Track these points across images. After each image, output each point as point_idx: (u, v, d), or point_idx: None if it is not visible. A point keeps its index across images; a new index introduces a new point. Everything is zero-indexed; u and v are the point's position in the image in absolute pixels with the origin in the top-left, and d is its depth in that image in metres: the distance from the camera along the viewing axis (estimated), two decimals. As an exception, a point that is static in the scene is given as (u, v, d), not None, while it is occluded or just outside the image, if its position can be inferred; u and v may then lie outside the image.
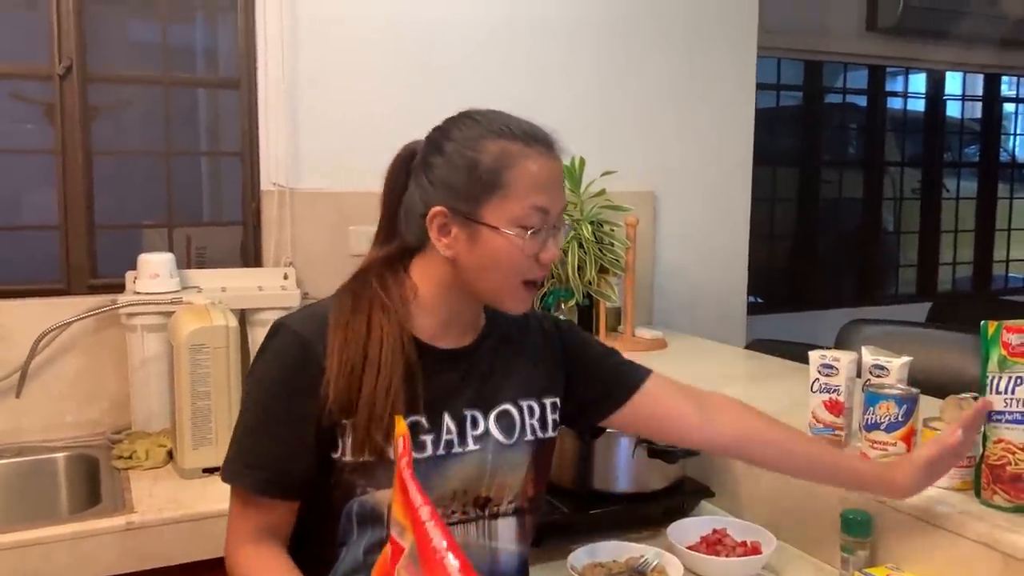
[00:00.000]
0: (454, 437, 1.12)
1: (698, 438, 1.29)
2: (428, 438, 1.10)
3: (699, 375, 2.09)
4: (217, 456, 1.71)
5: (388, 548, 0.91)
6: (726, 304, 2.99)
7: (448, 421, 1.12)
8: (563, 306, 2.43)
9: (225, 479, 1.10)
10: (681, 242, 2.86)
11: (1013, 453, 1.19)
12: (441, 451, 1.11)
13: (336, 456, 1.07)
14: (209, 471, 1.71)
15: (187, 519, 1.55)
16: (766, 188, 4.20)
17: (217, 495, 1.60)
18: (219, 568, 1.51)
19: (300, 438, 1.06)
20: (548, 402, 1.21)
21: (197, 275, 2.12)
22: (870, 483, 1.27)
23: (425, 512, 0.78)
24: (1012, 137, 5.18)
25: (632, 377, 1.27)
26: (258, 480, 1.07)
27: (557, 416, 1.22)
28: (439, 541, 0.75)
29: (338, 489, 1.07)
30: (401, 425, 0.92)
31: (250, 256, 2.25)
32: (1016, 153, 5.20)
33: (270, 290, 2.12)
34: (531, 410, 1.20)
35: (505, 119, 1.11)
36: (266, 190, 2.22)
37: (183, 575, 1.54)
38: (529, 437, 1.18)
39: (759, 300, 4.22)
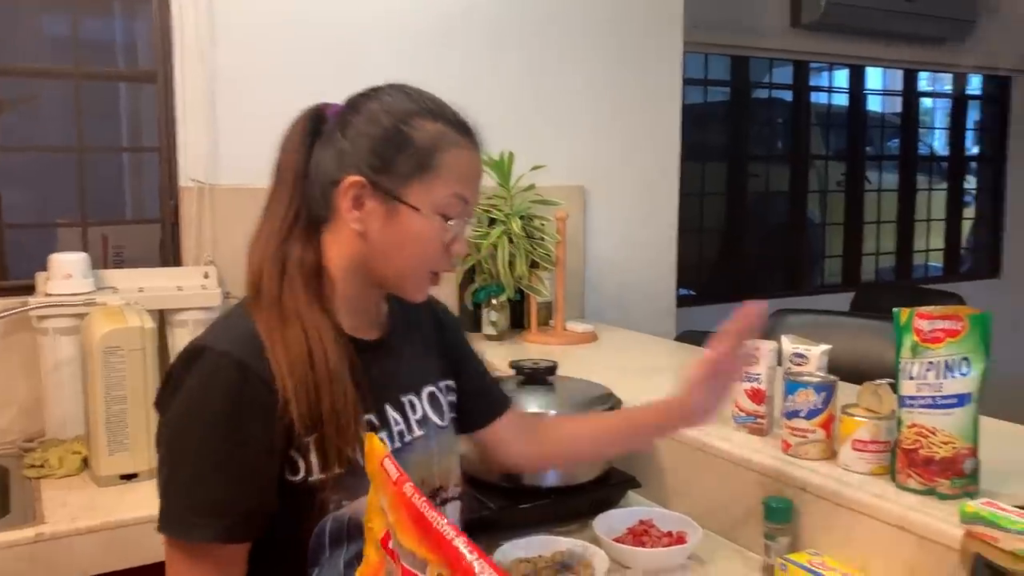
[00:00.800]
0: (403, 427, 1.10)
1: (524, 464, 1.36)
2: (383, 435, 1.06)
3: (629, 367, 2.11)
4: (135, 461, 1.67)
5: (368, 570, 0.87)
6: (657, 297, 3.02)
7: (392, 412, 1.09)
8: (494, 301, 2.42)
9: (176, 536, 0.95)
10: (611, 236, 2.88)
11: (925, 437, 1.22)
12: (397, 444, 1.08)
13: (297, 478, 0.98)
14: (126, 477, 1.65)
15: (104, 528, 1.49)
16: (696, 183, 4.26)
17: (135, 502, 1.55)
18: (137, 578, 1.49)
19: (263, 472, 0.96)
20: (445, 384, 1.21)
21: (113, 275, 2.04)
22: (663, 416, 1.29)
23: (463, 544, 0.72)
24: (931, 131, 5.35)
25: (500, 404, 1.30)
26: (217, 529, 0.94)
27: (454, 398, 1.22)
28: (490, 574, 0.69)
29: (307, 510, 0.99)
30: (377, 444, 0.85)
31: (169, 255, 2.18)
32: (934, 146, 5.38)
33: (190, 290, 2.06)
34: (448, 389, 1.20)
35: (437, 101, 1.07)
36: (185, 187, 2.16)
37: (99, 587, 1.48)
38: (452, 416, 1.19)
39: (691, 293, 4.28)
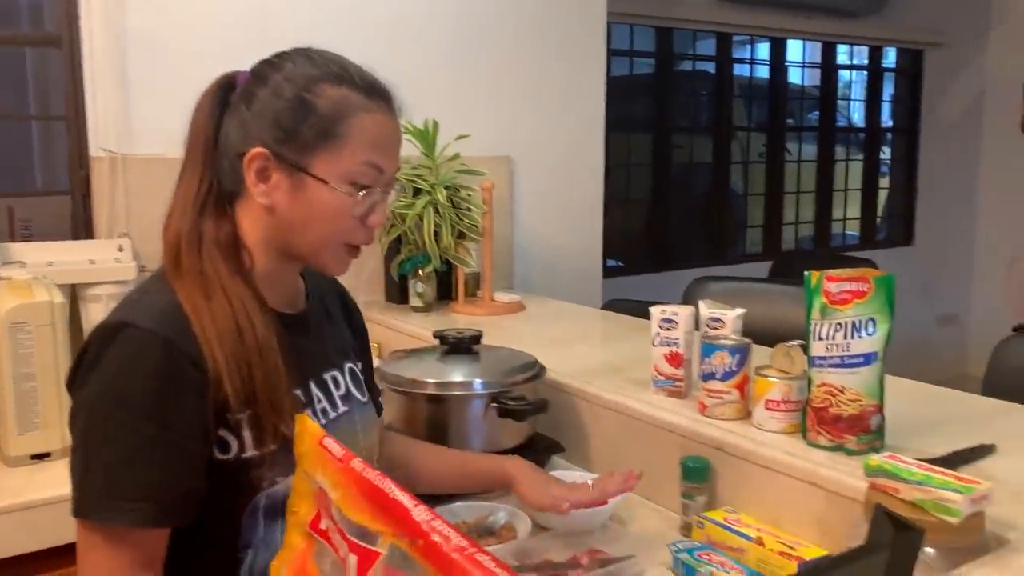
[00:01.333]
0: (325, 404, 1.08)
1: None
2: (307, 412, 1.04)
3: (556, 337, 2.13)
4: (46, 441, 1.61)
5: (290, 554, 0.86)
6: (583, 267, 3.05)
7: (315, 389, 1.07)
8: (420, 272, 2.40)
9: (99, 522, 0.90)
10: (538, 207, 2.89)
11: (834, 395, 1.26)
12: (321, 420, 1.05)
13: (229, 456, 0.95)
14: (38, 457, 1.60)
15: (14, 509, 1.45)
16: (622, 154, 4.30)
17: (47, 482, 1.50)
18: (50, 558, 1.45)
19: (193, 454, 0.93)
20: (360, 363, 1.20)
21: (21, 249, 1.97)
22: (496, 482, 1.32)
23: (423, 512, 0.72)
24: (849, 103, 5.50)
25: (379, 407, 1.29)
26: (148, 513, 0.90)
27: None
28: (458, 540, 0.70)
29: (239, 488, 0.96)
30: (311, 425, 0.84)
31: (81, 228, 2.11)
32: (852, 118, 5.53)
33: (103, 263, 1.99)
34: (365, 366, 1.21)
35: (344, 63, 1.03)
36: (96, 156, 2.08)
37: (11, 569, 1.44)
38: (369, 394, 1.19)
39: (618, 264, 4.33)
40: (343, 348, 1.18)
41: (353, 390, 1.13)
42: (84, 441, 0.92)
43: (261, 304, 1.00)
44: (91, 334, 0.95)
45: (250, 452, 0.96)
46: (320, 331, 1.13)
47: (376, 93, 1.03)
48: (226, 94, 1.03)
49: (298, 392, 1.03)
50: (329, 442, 0.83)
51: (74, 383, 0.95)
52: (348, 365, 1.15)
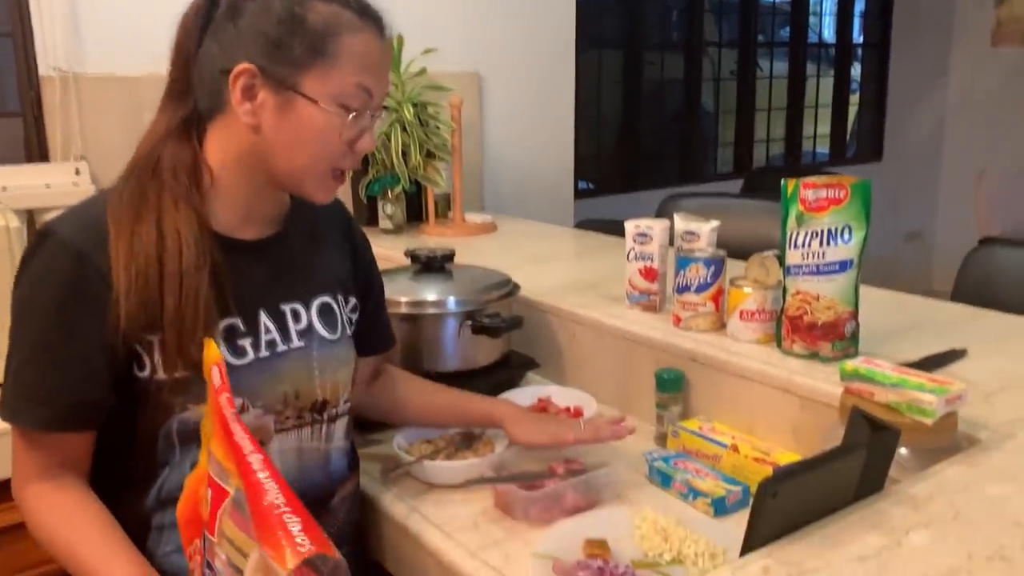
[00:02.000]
0: (275, 336, 1.04)
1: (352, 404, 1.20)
2: (247, 341, 1.01)
3: (529, 256, 2.11)
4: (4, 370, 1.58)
5: (198, 473, 0.85)
6: (555, 187, 3.02)
7: (265, 319, 1.04)
8: (389, 194, 2.36)
9: (5, 418, 0.95)
10: (508, 125, 2.83)
11: (809, 303, 1.26)
12: (264, 352, 1.02)
13: (144, 375, 0.95)
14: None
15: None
16: (592, 72, 4.22)
17: (14, 409, 1.48)
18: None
19: (88, 365, 0.93)
20: (347, 299, 1.17)
21: (-28, 173, 1.90)
22: (488, 421, 1.29)
23: (257, 461, 0.72)
24: (819, 18, 5.43)
25: (381, 342, 1.30)
26: (40, 417, 0.94)
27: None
28: (275, 496, 0.68)
29: (151, 410, 0.96)
30: (213, 351, 0.84)
31: (35, 151, 2.03)
32: (823, 34, 5.47)
33: (60, 187, 1.93)
34: (347, 302, 1.16)
35: None
36: (46, 76, 1.99)
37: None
38: (350, 332, 1.15)
39: (589, 185, 4.30)
40: (322, 281, 1.12)
41: (317, 325, 1.09)
42: (8, 339, 0.96)
43: (202, 230, 0.97)
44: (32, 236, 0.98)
45: (160, 375, 0.96)
46: (289, 260, 1.09)
47: (367, 13, 1.00)
48: (210, 11, 0.98)
49: (236, 321, 1.00)
50: (215, 370, 0.82)
51: (14, 283, 0.98)
52: (322, 299, 1.11)
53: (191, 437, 0.96)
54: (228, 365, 0.88)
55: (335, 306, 1.13)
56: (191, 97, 1.00)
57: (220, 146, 1.00)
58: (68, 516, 0.95)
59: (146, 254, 0.93)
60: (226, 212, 1.01)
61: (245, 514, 0.71)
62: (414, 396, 1.34)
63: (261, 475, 0.70)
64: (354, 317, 1.19)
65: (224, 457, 0.75)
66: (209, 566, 0.77)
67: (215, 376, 0.81)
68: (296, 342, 1.06)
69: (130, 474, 1.00)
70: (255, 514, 0.68)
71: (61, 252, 0.93)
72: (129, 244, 0.93)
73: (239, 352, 1.00)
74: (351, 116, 0.97)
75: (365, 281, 1.24)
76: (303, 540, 0.64)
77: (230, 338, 1.00)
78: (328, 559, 0.65)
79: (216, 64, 0.97)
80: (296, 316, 1.07)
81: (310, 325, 1.08)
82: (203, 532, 0.80)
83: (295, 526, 0.66)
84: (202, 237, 0.96)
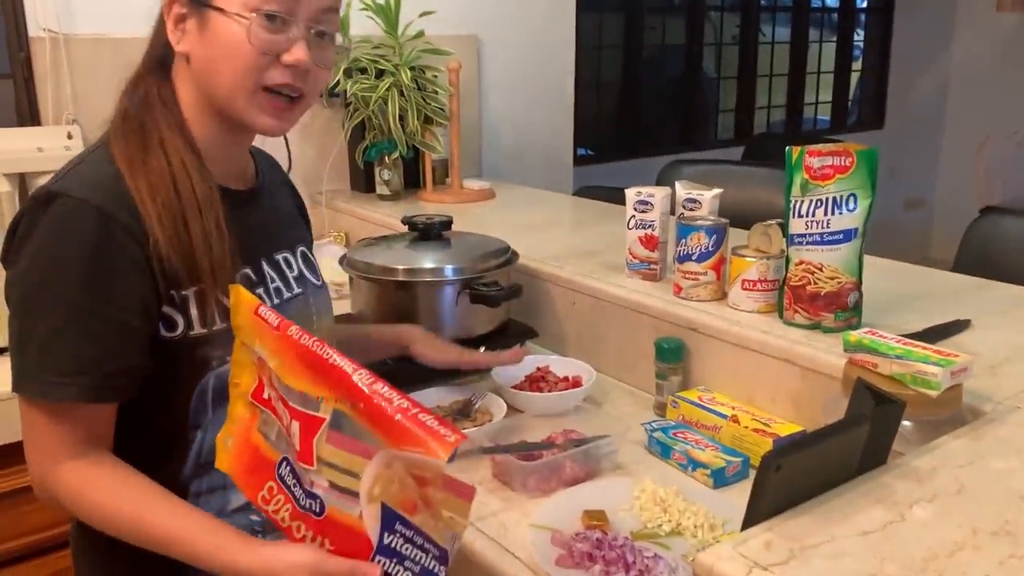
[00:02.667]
0: (279, 284, 1.05)
1: None
2: (260, 290, 1.01)
3: (528, 223, 2.09)
4: (3, 336, 1.56)
5: (241, 423, 0.86)
6: (554, 153, 2.98)
7: (267, 268, 1.04)
8: (386, 159, 2.33)
9: (34, 395, 0.88)
10: (507, 90, 2.79)
11: (812, 273, 1.24)
12: (275, 300, 1.03)
13: (175, 335, 0.92)
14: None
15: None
16: (592, 36, 4.16)
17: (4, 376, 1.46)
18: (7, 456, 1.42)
19: (125, 330, 0.89)
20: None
21: (-38, 137, 1.86)
22: (389, 341, 1.37)
23: (365, 376, 0.73)
24: (823, -18, 5.35)
25: None
26: (79, 388, 0.87)
27: None
28: (400, 400, 0.70)
29: (185, 370, 0.94)
30: (245, 295, 0.83)
31: (26, 114, 1.99)
32: (826, -1, 5.39)
33: (52, 151, 1.89)
34: (315, 251, 1.19)
35: None
36: (36, 36, 1.95)
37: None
38: (325, 279, 1.17)
39: (589, 152, 4.25)
40: (296, 231, 1.16)
41: (307, 273, 1.11)
42: (20, 314, 0.89)
43: (201, 165, 0.96)
44: (23, 205, 0.91)
45: (197, 330, 0.93)
46: (272, 212, 1.10)
47: None
48: None
49: (248, 271, 1.01)
50: (265, 311, 0.82)
51: (7, 257, 0.91)
52: (300, 248, 1.13)
53: (223, 394, 0.93)
54: None
55: (310, 255, 1.16)
56: (159, 42, 0.99)
57: (182, 90, 0.98)
58: (121, 490, 0.90)
59: (164, 184, 0.91)
60: (209, 162, 0.99)
61: (359, 432, 0.72)
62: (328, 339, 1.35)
63: (378, 386, 0.72)
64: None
65: (312, 386, 0.75)
66: (309, 494, 0.77)
67: (268, 315, 0.81)
68: (296, 288, 1.08)
69: (160, 442, 0.97)
70: (384, 422, 0.70)
71: (79, 212, 0.87)
72: (147, 176, 0.91)
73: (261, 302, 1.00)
74: (266, 18, 0.92)
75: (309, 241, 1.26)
76: (446, 431, 0.68)
77: (246, 287, 0.98)
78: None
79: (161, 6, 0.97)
80: (288, 264, 1.09)
81: (301, 272, 1.10)
82: (284, 467, 0.80)
83: (432, 422, 0.69)
84: (202, 167, 0.95)
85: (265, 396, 0.83)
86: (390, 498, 0.71)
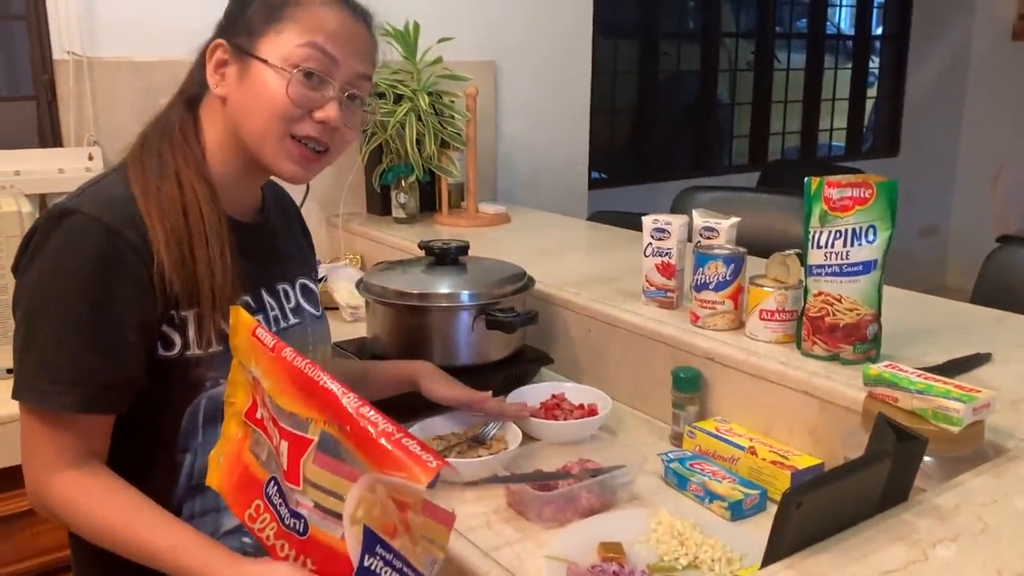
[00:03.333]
0: (278, 312, 1.08)
1: None
2: (259, 317, 1.03)
3: (542, 247, 2.09)
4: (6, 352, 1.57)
5: (232, 443, 0.87)
6: (568, 178, 2.99)
7: (267, 297, 1.08)
8: (403, 183, 2.34)
9: (31, 402, 0.90)
10: (523, 115, 2.80)
11: (831, 304, 1.24)
12: (274, 328, 1.06)
13: (171, 354, 0.95)
14: (11, 371, 1.55)
15: (-6, 423, 1.42)
16: (608, 61, 4.18)
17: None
18: (21, 474, 1.42)
19: (124, 343, 0.92)
20: (316, 280, 1.22)
21: (-15, 157, 1.88)
22: (399, 379, 1.36)
23: (353, 399, 0.74)
24: (837, 9, 5.36)
25: None
26: (76, 398, 0.90)
27: None
28: (385, 424, 0.71)
29: (180, 387, 0.96)
30: (244, 316, 0.86)
31: (48, 135, 2.02)
32: (840, 26, 5.41)
33: (73, 172, 1.92)
34: (317, 282, 1.21)
35: None
36: (60, 59, 1.98)
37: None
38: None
39: (602, 176, 4.26)
40: (298, 263, 1.18)
41: (304, 304, 1.14)
42: (23, 322, 0.92)
43: (213, 197, 0.99)
44: (37, 220, 0.94)
45: (193, 351, 0.96)
46: (274, 243, 1.13)
47: None
48: None
49: (247, 299, 1.04)
50: (261, 332, 0.83)
51: (17, 266, 0.95)
52: (301, 280, 1.16)
53: (214, 416, 0.96)
54: None
55: (312, 286, 1.18)
56: (188, 79, 1.06)
57: (210, 128, 1.03)
58: (112, 501, 0.91)
59: (174, 210, 0.94)
60: (223, 195, 1.02)
61: (342, 454, 0.74)
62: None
63: (365, 410, 0.73)
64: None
65: (302, 407, 0.77)
66: (293, 514, 0.78)
67: (264, 336, 0.82)
68: (293, 319, 1.11)
69: (150, 459, 0.99)
70: (369, 446, 0.71)
71: (89, 228, 0.90)
72: (159, 202, 0.94)
73: None
74: (304, 73, 0.97)
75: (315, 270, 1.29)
76: (427, 457, 0.68)
77: None
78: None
79: (203, 47, 1.03)
80: (287, 295, 1.11)
81: (298, 303, 1.13)
82: (272, 487, 0.81)
83: (415, 447, 0.69)
84: (213, 199, 0.99)
85: (258, 416, 0.84)
86: (372, 521, 0.72)
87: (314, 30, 0.97)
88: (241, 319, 0.86)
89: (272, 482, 0.82)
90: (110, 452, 0.96)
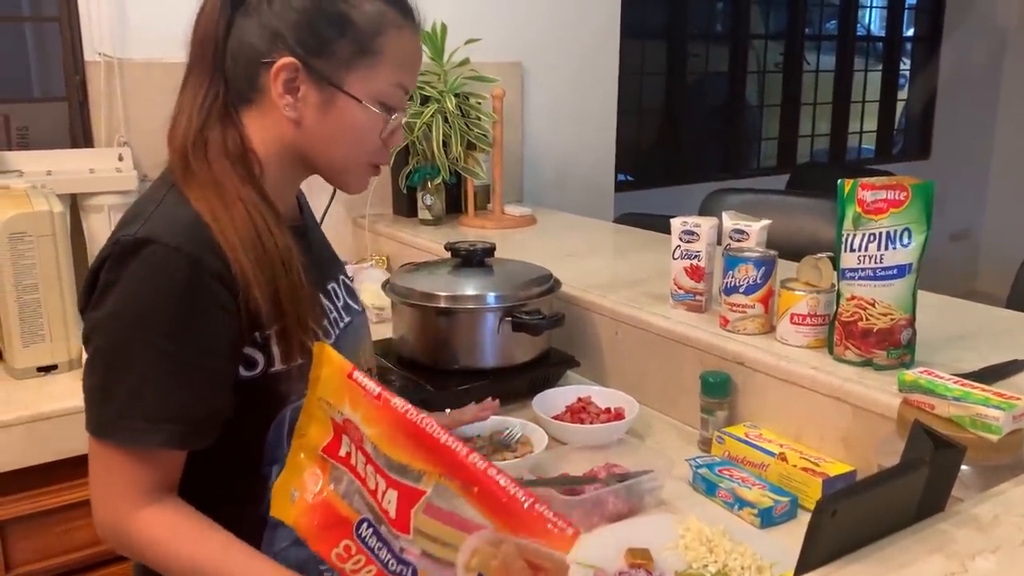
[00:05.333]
0: (336, 314, 1.06)
1: None
2: (324, 323, 1.02)
3: (568, 249, 2.08)
4: (53, 353, 1.58)
5: (309, 467, 0.85)
6: (595, 180, 2.97)
7: (325, 300, 1.05)
8: (429, 184, 2.34)
9: (123, 442, 0.87)
10: (550, 116, 2.80)
11: (864, 309, 1.22)
12: (336, 330, 1.04)
13: (256, 372, 0.93)
14: (44, 369, 1.57)
15: (22, 422, 1.42)
16: (635, 62, 4.16)
17: (54, 395, 1.48)
18: (58, 471, 1.44)
19: (216, 376, 0.89)
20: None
21: (18, 157, 1.91)
22: None
23: (477, 459, 0.73)
24: (867, 10, 5.30)
25: None
26: (172, 435, 0.87)
27: None
28: (514, 489, 0.71)
29: (265, 404, 0.94)
30: (336, 357, 0.82)
31: (79, 135, 2.04)
32: (871, 27, 5.34)
33: (104, 172, 1.93)
34: (357, 274, 1.21)
35: None
36: (91, 61, 2.00)
37: (18, 480, 1.43)
38: (367, 303, 1.20)
39: (629, 178, 4.24)
40: (334, 260, 1.17)
41: (349, 300, 1.13)
42: (103, 360, 0.88)
43: (275, 213, 0.95)
44: (105, 251, 0.89)
45: (278, 367, 0.93)
46: (316, 244, 1.12)
47: (409, 12, 0.98)
48: None
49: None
50: (359, 375, 0.81)
51: (88, 301, 0.90)
52: (340, 276, 1.15)
53: None
54: None
55: (348, 280, 1.17)
56: (218, 80, 0.95)
57: (261, 136, 0.97)
58: (204, 543, 0.88)
59: (250, 239, 0.89)
60: (275, 200, 0.98)
61: (455, 506, 0.74)
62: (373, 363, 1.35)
63: (491, 472, 0.72)
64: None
65: (412, 458, 0.76)
66: (400, 560, 0.78)
67: (366, 383, 0.80)
68: (346, 317, 1.09)
69: (234, 477, 0.96)
70: (497, 508, 0.71)
71: (171, 259, 0.86)
72: (235, 232, 0.89)
73: (327, 334, 1.01)
74: (393, 116, 0.98)
75: None
76: (563, 524, 0.69)
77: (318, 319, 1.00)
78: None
79: (252, 52, 0.94)
80: (336, 294, 1.10)
81: (346, 301, 1.11)
82: (365, 528, 0.81)
83: (548, 512, 0.70)
84: (278, 221, 0.95)
85: (341, 453, 0.82)
86: (488, 571, 0.72)
87: (401, 67, 0.97)
88: (331, 358, 0.83)
89: (365, 523, 0.80)
90: (195, 471, 0.93)
